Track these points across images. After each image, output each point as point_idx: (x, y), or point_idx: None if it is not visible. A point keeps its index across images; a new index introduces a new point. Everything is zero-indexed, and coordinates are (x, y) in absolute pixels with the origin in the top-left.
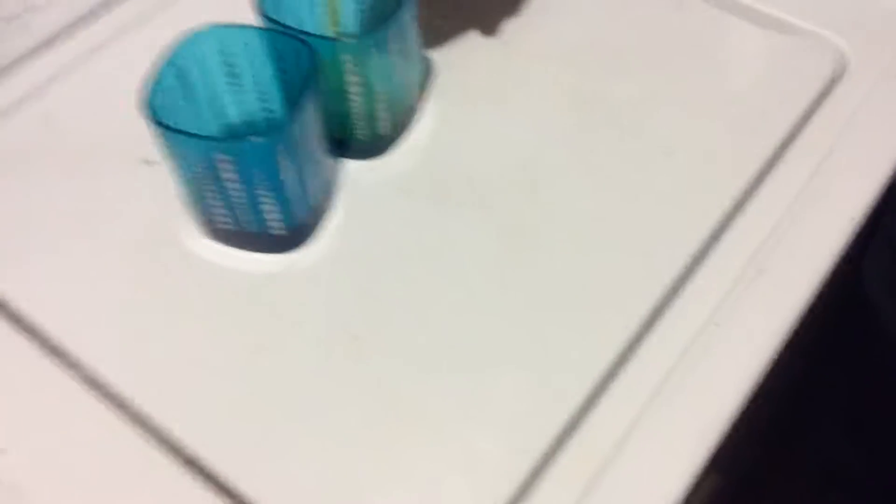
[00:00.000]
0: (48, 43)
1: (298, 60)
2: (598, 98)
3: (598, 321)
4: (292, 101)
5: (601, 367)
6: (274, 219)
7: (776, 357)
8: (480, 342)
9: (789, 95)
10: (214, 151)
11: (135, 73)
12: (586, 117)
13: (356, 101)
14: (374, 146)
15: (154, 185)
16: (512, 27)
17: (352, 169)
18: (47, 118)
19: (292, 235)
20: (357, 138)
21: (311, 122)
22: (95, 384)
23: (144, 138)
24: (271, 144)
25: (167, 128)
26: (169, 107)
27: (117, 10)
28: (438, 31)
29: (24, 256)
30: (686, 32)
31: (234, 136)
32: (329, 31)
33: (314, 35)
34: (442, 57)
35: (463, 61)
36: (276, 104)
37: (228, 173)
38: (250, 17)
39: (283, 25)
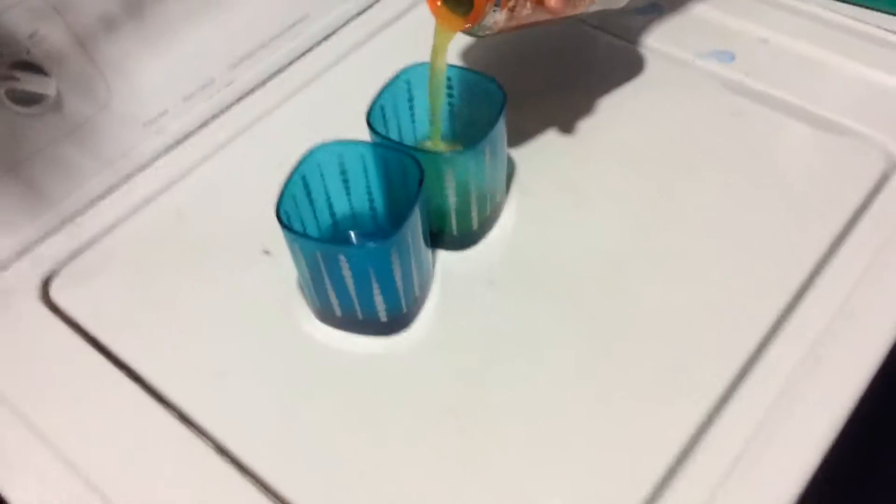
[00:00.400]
0: (180, 143)
1: (404, 170)
2: (666, 195)
3: (669, 411)
4: (397, 202)
5: (673, 452)
6: (381, 308)
7: (834, 442)
8: (564, 423)
9: (842, 193)
10: (336, 253)
11: (253, 169)
12: (656, 213)
13: (452, 200)
14: (466, 239)
15: (274, 273)
16: (587, 127)
17: (446, 259)
18: (179, 211)
19: (396, 321)
20: (451, 233)
21: (417, 225)
22: (222, 451)
23: (264, 230)
24: (386, 249)
25: (297, 233)
26: (293, 209)
27: (236, 111)
28: (521, 132)
29: (154, 331)
30: (743, 133)
31: (343, 230)
32: (429, 133)
33: (420, 150)
34: (524, 155)
35: (542, 159)
36: (380, 203)
37: (346, 270)
38: (360, 130)
39: (391, 140)
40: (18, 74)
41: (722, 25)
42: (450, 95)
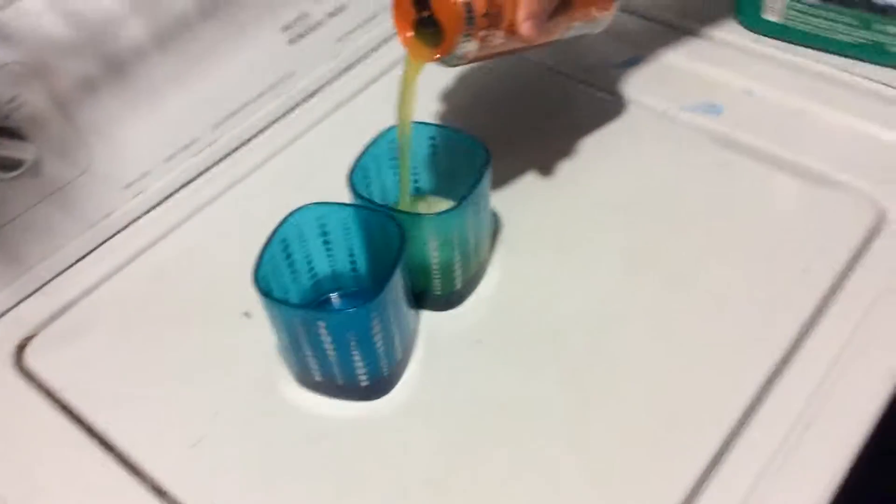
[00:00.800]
0: (161, 203)
1: (386, 232)
2: (651, 249)
3: (660, 470)
4: (380, 262)
5: None
6: (362, 373)
7: None
8: (552, 492)
9: (831, 247)
10: (315, 320)
11: (234, 229)
12: (642, 267)
13: (435, 260)
14: (451, 298)
15: (254, 336)
16: (571, 180)
17: (430, 320)
18: (159, 272)
19: (377, 385)
20: (434, 292)
21: (398, 287)
22: None
23: (245, 292)
24: (366, 314)
25: (274, 300)
26: (271, 273)
27: (219, 171)
28: (504, 185)
29: (130, 397)
30: (730, 186)
31: (324, 290)
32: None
33: (402, 211)
34: (508, 209)
35: (526, 214)
36: (362, 263)
37: (325, 336)
38: (345, 190)
39: (372, 202)
40: None
41: (705, 77)
42: (432, 148)
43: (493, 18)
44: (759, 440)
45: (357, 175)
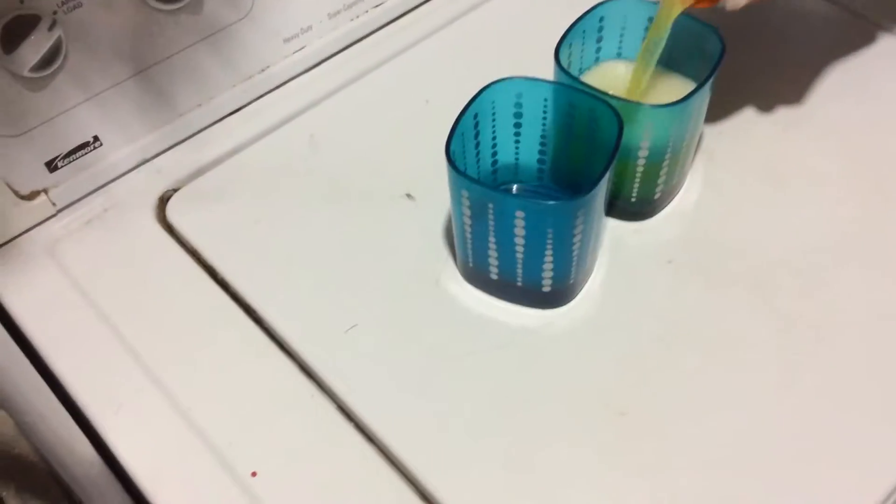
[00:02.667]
0: (320, 64)
1: (594, 120)
2: (881, 192)
3: (874, 443)
4: (573, 155)
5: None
6: (548, 276)
7: None
8: (746, 436)
9: None
10: (514, 207)
11: (397, 102)
12: (868, 210)
13: (642, 160)
14: (644, 209)
15: (416, 221)
16: (796, 105)
17: (617, 229)
18: (313, 138)
19: (559, 293)
20: (629, 198)
21: (606, 186)
22: (345, 412)
23: (407, 171)
24: (572, 209)
25: (469, 178)
26: (459, 149)
27: (383, 36)
28: (719, 100)
29: (277, 271)
30: None
31: (502, 181)
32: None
33: (618, 98)
34: (719, 123)
35: (739, 131)
36: (550, 154)
37: (520, 228)
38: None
39: (582, 83)
40: None
41: None
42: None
43: None
44: None
45: (563, 52)
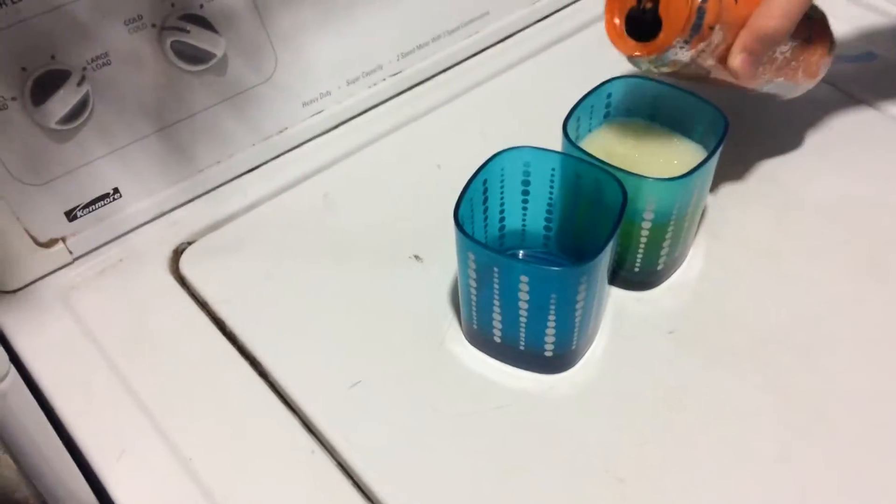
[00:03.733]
0: (337, 127)
1: (599, 190)
2: (877, 269)
3: None
4: (579, 224)
5: None
6: (550, 341)
7: None
8: None
9: None
10: (519, 272)
11: (409, 166)
12: (863, 287)
13: (645, 231)
14: (647, 279)
15: (423, 282)
16: (795, 180)
17: (620, 298)
18: (327, 198)
19: (560, 358)
20: (632, 268)
21: (609, 254)
22: (345, 469)
23: (416, 233)
24: (576, 275)
25: (476, 241)
26: (468, 214)
27: (399, 103)
28: (719, 174)
29: (285, 325)
30: None
31: (507, 246)
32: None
33: (623, 171)
34: (720, 198)
35: (738, 206)
36: (556, 223)
37: (524, 293)
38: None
39: (589, 154)
40: (189, 27)
41: None
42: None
43: (716, 36)
44: None
45: (571, 125)
